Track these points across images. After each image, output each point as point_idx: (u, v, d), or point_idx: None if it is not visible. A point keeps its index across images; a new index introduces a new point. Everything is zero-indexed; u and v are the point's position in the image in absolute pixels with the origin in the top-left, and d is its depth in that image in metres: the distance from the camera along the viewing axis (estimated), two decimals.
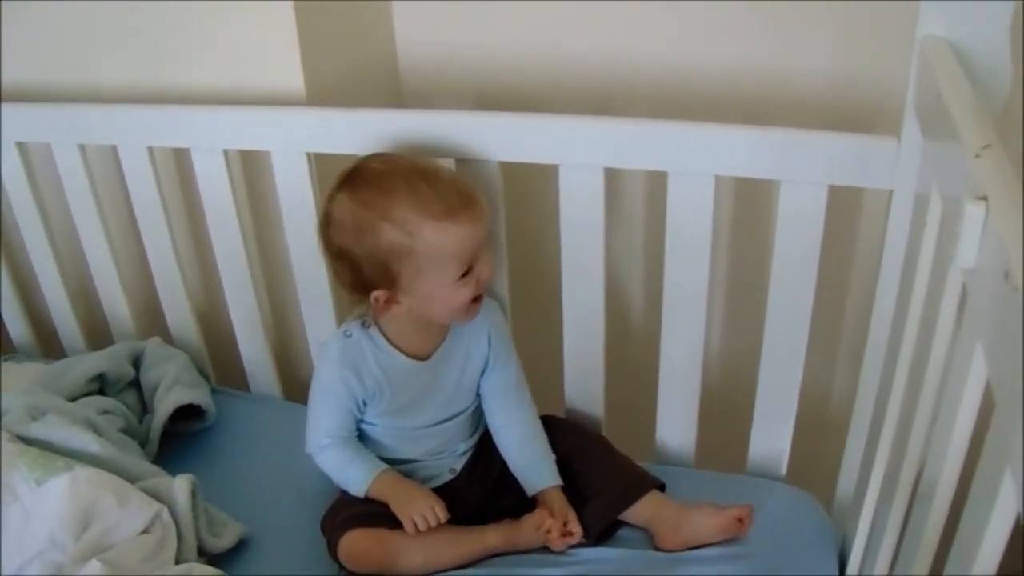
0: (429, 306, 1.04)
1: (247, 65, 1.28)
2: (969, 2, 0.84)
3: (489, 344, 1.13)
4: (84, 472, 1.09)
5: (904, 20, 0.90)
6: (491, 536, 1.08)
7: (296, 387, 1.42)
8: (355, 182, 1.02)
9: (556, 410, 1.24)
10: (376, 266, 1.01)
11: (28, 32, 1.38)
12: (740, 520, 1.06)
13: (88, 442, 1.15)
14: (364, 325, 1.10)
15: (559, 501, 1.09)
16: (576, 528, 1.07)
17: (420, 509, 1.05)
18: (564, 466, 1.13)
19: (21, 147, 1.36)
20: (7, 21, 1.37)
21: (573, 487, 1.12)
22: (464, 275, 1.01)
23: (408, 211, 0.98)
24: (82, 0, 1.31)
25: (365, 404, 1.11)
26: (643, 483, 1.11)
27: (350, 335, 1.10)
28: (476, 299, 1.05)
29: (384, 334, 1.10)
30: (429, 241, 0.98)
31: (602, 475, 1.13)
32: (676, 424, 1.22)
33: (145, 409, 1.36)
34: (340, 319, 1.26)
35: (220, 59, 1.29)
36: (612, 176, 1.10)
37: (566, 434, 1.18)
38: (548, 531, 1.06)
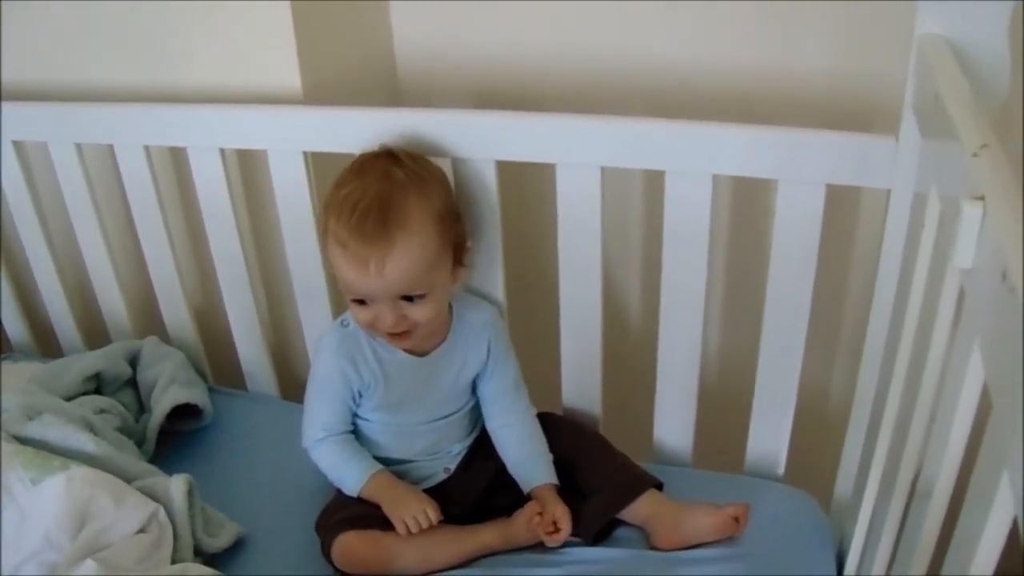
0: None
1: (244, 64, 1.28)
2: (967, 1, 0.84)
3: (488, 350, 1.13)
4: (80, 472, 1.08)
5: (903, 18, 0.90)
6: (486, 534, 1.08)
7: (293, 386, 1.42)
8: (353, 163, 1.05)
9: (554, 410, 1.24)
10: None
11: (25, 31, 1.37)
12: (736, 519, 1.06)
13: (84, 441, 1.15)
14: None
15: (551, 498, 1.09)
16: (565, 524, 1.06)
17: (412, 511, 1.05)
18: (562, 464, 1.13)
19: (18, 146, 1.36)
20: (4, 21, 1.37)
21: (571, 485, 1.12)
22: (358, 302, 1.02)
23: (331, 216, 1.01)
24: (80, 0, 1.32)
25: (360, 395, 1.10)
26: (641, 482, 1.11)
27: (347, 324, 1.10)
28: (394, 335, 1.04)
29: None
30: (329, 250, 1.02)
31: (600, 473, 1.13)
32: (674, 423, 1.21)
33: (142, 408, 1.36)
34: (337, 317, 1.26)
35: (217, 58, 1.29)
36: (609, 175, 1.10)
37: (564, 431, 1.18)
38: (538, 523, 1.05)
